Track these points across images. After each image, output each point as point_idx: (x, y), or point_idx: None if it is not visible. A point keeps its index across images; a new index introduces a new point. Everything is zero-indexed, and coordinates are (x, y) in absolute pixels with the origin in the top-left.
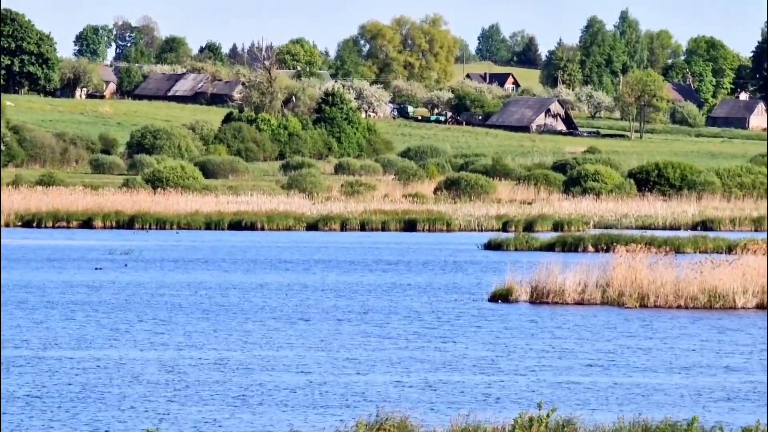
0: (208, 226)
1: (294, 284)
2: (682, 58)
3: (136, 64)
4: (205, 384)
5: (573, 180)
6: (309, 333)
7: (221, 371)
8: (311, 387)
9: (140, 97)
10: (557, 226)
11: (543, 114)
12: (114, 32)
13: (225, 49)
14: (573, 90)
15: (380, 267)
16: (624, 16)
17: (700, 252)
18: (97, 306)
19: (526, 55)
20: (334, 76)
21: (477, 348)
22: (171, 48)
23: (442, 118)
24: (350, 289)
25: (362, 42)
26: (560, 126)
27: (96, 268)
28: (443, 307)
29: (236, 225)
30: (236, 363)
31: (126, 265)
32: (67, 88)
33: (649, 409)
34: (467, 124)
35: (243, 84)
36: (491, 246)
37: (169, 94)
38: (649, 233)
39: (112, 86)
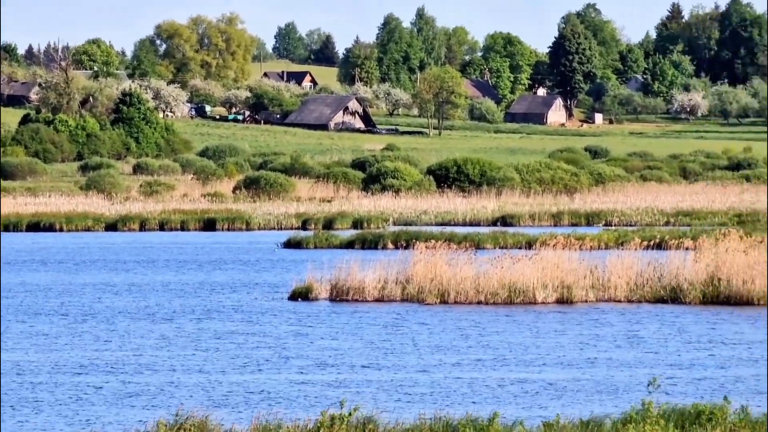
0: (6, 228)
1: (97, 284)
2: (480, 54)
3: None
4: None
5: (372, 177)
6: (115, 332)
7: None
8: (118, 386)
9: None
10: (357, 224)
11: (341, 112)
12: None
13: (21, 50)
14: (371, 87)
15: (178, 266)
16: (420, 13)
17: (500, 248)
18: None
19: (323, 53)
20: (131, 76)
21: (279, 347)
22: None
23: (240, 117)
24: (149, 288)
25: (159, 42)
26: (359, 124)
27: None
28: (243, 306)
29: (35, 226)
30: (47, 363)
31: None
32: None
33: (453, 405)
34: (266, 122)
35: (40, 85)
36: (291, 244)
37: None
38: (448, 229)
39: None
